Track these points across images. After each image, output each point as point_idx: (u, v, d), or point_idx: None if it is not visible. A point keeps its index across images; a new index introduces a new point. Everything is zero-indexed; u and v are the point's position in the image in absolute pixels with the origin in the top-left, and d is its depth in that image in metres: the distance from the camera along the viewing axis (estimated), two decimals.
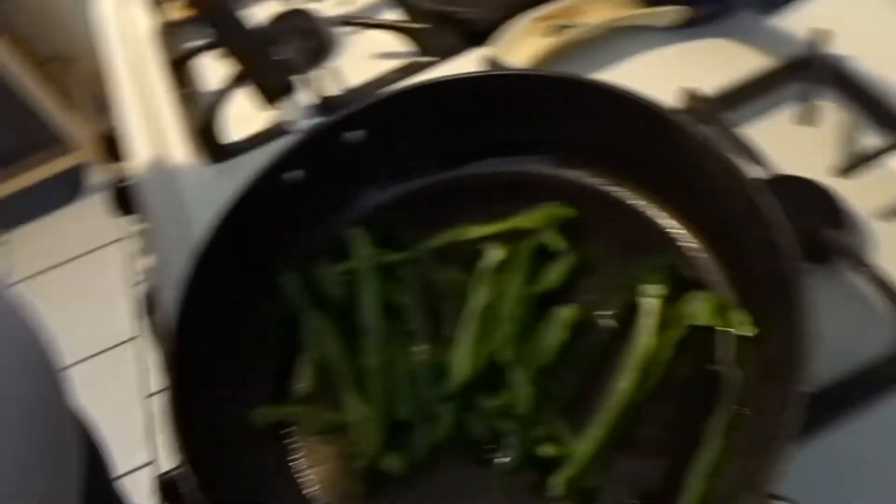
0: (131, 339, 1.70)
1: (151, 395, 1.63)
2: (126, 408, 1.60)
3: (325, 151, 0.49)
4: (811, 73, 0.54)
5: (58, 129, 1.74)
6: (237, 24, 0.49)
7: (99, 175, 1.95)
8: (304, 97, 0.49)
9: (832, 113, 0.53)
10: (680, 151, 0.43)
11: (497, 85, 0.49)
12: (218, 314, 0.46)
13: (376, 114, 0.48)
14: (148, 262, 0.77)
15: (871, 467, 0.40)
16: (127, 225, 1.86)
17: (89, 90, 1.93)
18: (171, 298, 0.60)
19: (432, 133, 0.49)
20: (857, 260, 0.44)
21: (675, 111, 0.43)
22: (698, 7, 0.58)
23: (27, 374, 0.54)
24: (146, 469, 1.51)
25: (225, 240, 0.46)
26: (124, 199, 0.73)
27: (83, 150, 1.78)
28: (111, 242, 1.86)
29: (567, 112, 0.47)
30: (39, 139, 1.81)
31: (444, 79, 0.49)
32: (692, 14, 0.58)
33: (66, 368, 0.61)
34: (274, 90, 0.48)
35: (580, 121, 0.47)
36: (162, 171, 0.65)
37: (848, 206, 0.48)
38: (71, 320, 1.71)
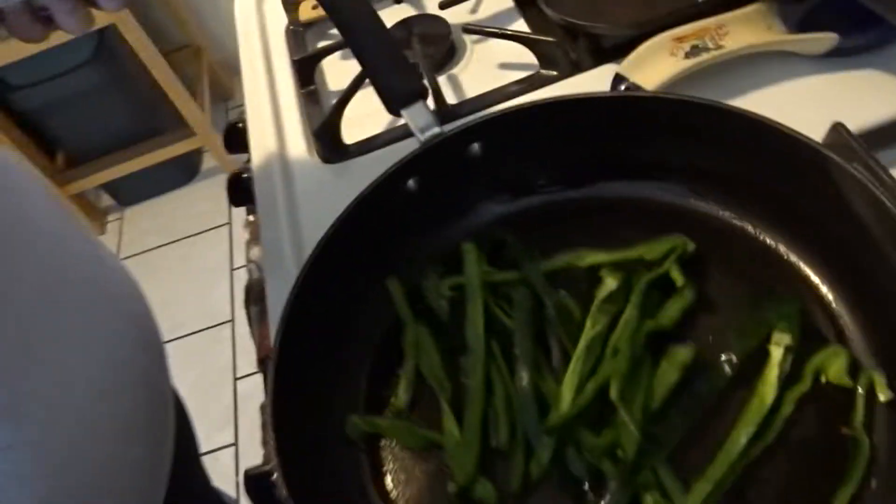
0: (227, 321, 1.77)
1: (240, 378, 1.68)
2: (215, 388, 1.66)
3: (446, 162, 0.48)
4: None
5: (180, 115, 1.83)
6: (370, 25, 0.48)
7: (213, 161, 2.04)
8: (429, 104, 0.48)
9: None
10: (826, 190, 0.40)
11: (629, 107, 0.47)
12: (324, 316, 0.46)
13: (502, 127, 0.47)
14: (255, 253, 0.79)
15: None
16: (239, 213, 1.93)
17: (212, 80, 2.02)
18: (273, 291, 0.61)
19: (557, 151, 0.48)
20: None
21: (823, 146, 0.40)
22: (852, 36, 0.54)
23: (137, 345, 0.56)
24: (228, 450, 1.55)
25: (341, 242, 0.46)
26: (241, 189, 0.75)
27: (202, 136, 1.86)
28: (218, 226, 1.94)
29: (703, 139, 0.44)
30: (162, 123, 1.90)
31: (573, 96, 0.47)
32: (844, 43, 0.54)
33: (164, 343, 0.63)
34: (402, 96, 0.48)
35: (716, 149, 0.44)
36: (280, 166, 0.66)
37: None
38: (173, 298, 1.79)
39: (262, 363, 0.69)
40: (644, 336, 0.42)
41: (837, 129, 0.50)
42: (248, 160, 0.80)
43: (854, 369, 0.39)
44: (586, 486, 0.39)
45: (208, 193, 2.02)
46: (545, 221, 0.49)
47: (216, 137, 1.90)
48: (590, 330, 0.42)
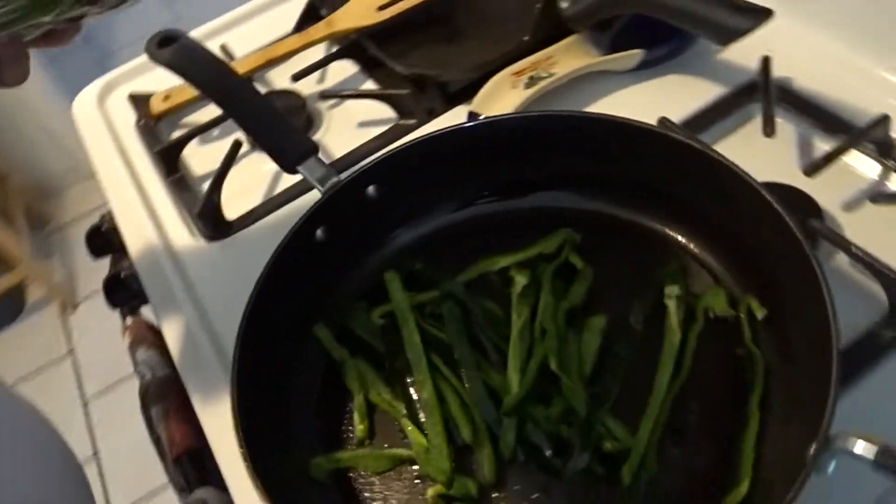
0: (90, 456, 1.63)
1: None
2: None
3: (348, 206, 0.52)
4: (760, 94, 0.61)
5: None
6: (251, 98, 0.52)
7: (40, 292, 1.89)
8: (321, 158, 0.52)
9: (786, 126, 0.60)
10: (675, 167, 0.49)
11: (493, 131, 0.53)
12: (265, 381, 0.47)
13: (394, 166, 0.52)
14: (142, 354, 0.76)
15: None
16: (83, 340, 1.79)
17: (24, 206, 1.90)
18: (193, 380, 0.60)
19: (447, 178, 0.53)
20: (843, 242, 0.49)
21: (664, 129, 0.48)
22: (654, 49, 0.65)
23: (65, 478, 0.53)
24: None
25: (264, 308, 0.47)
26: (120, 289, 0.73)
27: (23, 267, 1.73)
28: (60, 358, 1.79)
29: (571, 147, 0.51)
30: None
31: (446, 129, 0.53)
32: (649, 56, 0.65)
33: None
34: (295, 155, 0.51)
35: (588, 154, 0.52)
36: (166, 256, 0.66)
37: (818, 202, 0.54)
38: None
39: (177, 461, 0.67)
40: (563, 315, 0.48)
41: (663, 122, 0.60)
42: (118, 260, 0.78)
43: (733, 301, 0.47)
44: (550, 455, 0.43)
45: (41, 327, 1.87)
46: (454, 240, 0.54)
47: (40, 266, 1.78)
48: (517, 321, 0.47)
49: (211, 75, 0.53)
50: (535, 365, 0.45)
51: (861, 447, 0.33)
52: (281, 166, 0.52)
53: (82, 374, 1.76)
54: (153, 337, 0.78)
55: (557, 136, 0.52)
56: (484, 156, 0.53)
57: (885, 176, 0.56)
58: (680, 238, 0.51)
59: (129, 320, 0.81)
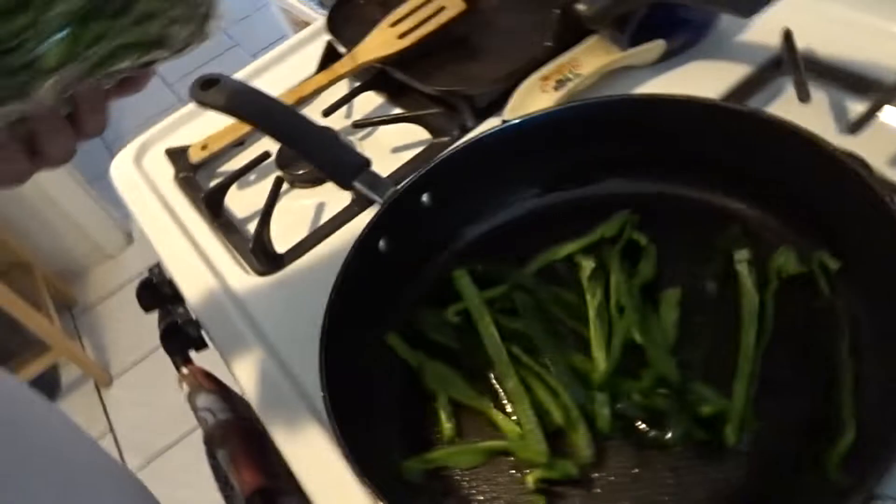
0: None
1: None
2: None
3: (406, 215, 0.53)
4: (788, 66, 0.62)
5: (26, 335, 1.71)
6: (305, 128, 0.54)
7: (74, 373, 1.90)
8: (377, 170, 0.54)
9: (817, 94, 0.61)
10: (730, 134, 0.50)
11: (547, 123, 0.55)
12: (351, 387, 0.47)
13: (445, 172, 0.53)
14: (203, 400, 0.77)
15: None
16: (119, 414, 1.78)
17: (50, 290, 1.92)
18: (273, 417, 0.59)
19: (501, 177, 0.55)
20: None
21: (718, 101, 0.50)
22: (674, 38, 0.67)
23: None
24: None
25: (340, 319, 0.48)
26: (178, 338, 0.74)
27: (57, 348, 1.74)
28: (99, 436, 1.79)
29: (618, 131, 0.53)
30: (8, 347, 1.76)
31: (497, 128, 0.54)
32: (670, 46, 0.67)
33: None
34: (351, 171, 0.52)
35: (630, 136, 0.53)
36: (227, 298, 0.66)
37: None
38: None
39: (249, 500, 0.66)
40: (636, 291, 0.48)
41: None
42: (169, 311, 0.79)
43: (804, 258, 0.48)
44: (647, 428, 0.43)
45: (78, 407, 1.86)
46: (512, 235, 0.55)
47: (72, 347, 1.79)
48: (592, 301, 0.48)
49: (260, 108, 0.55)
50: (620, 341, 0.45)
51: None
52: (338, 183, 0.54)
53: (123, 449, 1.75)
54: (209, 382, 0.79)
55: (603, 122, 0.54)
56: (534, 152, 0.54)
57: None
58: (737, 205, 0.52)
59: (185, 370, 0.81)
